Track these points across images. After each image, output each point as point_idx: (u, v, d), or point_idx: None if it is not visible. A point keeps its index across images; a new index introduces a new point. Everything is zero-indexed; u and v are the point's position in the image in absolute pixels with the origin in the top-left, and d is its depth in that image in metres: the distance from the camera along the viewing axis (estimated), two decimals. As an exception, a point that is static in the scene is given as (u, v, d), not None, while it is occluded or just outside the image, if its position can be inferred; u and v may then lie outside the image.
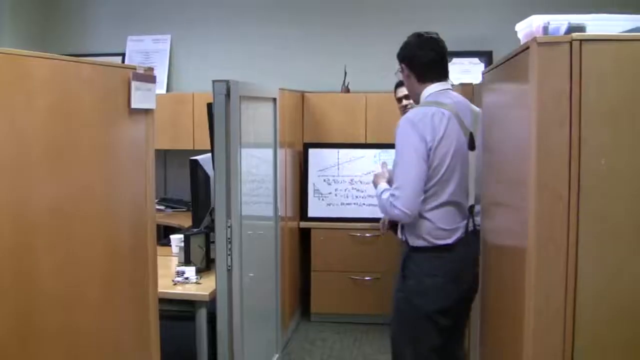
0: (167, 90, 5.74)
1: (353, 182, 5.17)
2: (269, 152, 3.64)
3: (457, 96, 2.86)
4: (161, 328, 2.40)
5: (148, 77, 2.22)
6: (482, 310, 2.47)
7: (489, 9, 5.32)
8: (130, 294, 2.19)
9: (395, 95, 4.38)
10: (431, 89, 2.81)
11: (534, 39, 1.52)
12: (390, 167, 2.89)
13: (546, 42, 1.51)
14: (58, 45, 5.70)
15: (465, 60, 5.33)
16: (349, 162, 5.18)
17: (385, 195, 2.73)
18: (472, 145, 2.73)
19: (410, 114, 2.75)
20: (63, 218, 1.81)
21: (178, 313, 3.06)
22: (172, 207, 5.41)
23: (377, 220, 4.82)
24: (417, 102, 2.89)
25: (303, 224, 5.13)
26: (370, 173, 5.10)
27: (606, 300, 1.51)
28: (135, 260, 2.23)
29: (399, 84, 4.36)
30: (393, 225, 2.91)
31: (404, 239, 2.80)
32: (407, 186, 2.63)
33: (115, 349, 2.09)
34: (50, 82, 1.75)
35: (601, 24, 1.67)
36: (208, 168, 3.51)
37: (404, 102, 4.29)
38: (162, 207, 5.32)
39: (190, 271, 3.19)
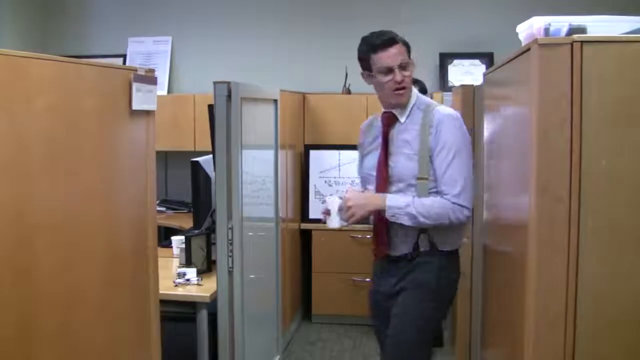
0: (168, 92, 5.74)
1: (354, 183, 5.15)
2: (269, 154, 3.64)
3: None
4: (162, 329, 2.40)
5: (149, 78, 2.22)
6: (484, 312, 2.47)
7: (490, 10, 5.31)
8: (131, 295, 2.19)
9: None
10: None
11: (535, 41, 1.52)
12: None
13: (547, 44, 1.51)
14: (58, 46, 5.70)
15: (466, 62, 5.33)
16: (350, 163, 5.17)
17: (440, 203, 2.41)
18: None
19: (451, 110, 2.58)
20: (63, 219, 1.81)
21: (179, 314, 3.05)
22: (173, 209, 5.41)
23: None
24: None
25: (304, 226, 5.13)
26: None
27: (607, 302, 1.51)
28: (136, 262, 2.23)
29: None
30: (377, 235, 2.60)
31: (425, 248, 2.50)
32: (469, 185, 2.44)
33: (116, 350, 2.09)
34: (50, 84, 1.75)
35: (602, 26, 1.67)
36: (209, 169, 3.51)
37: None
38: (163, 209, 5.31)
39: (191, 272, 3.18)
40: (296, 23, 5.61)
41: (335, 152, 5.19)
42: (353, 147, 5.17)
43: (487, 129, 2.37)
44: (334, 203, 2.54)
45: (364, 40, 2.52)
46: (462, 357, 3.48)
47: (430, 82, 4.98)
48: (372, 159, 2.60)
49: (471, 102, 3.14)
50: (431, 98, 4.78)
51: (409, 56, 2.51)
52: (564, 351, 1.52)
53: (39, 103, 1.70)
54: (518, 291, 1.65)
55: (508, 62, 1.89)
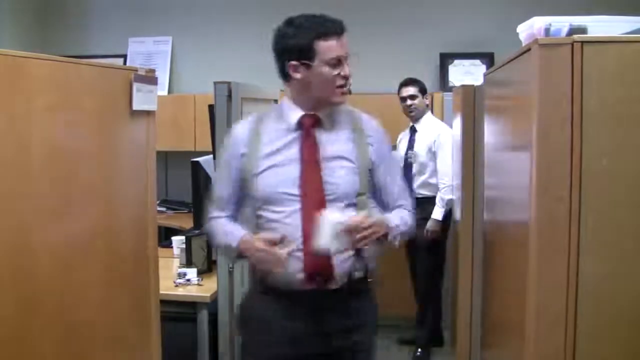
0: (169, 92, 5.74)
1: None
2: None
3: None
4: (162, 329, 2.40)
5: (149, 78, 2.22)
6: (484, 312, 2.47)
7: (491, 10, 5.31)
8: (132, 295, 2.19)
9: (399, 94, 4.37)
10: None
11: (536, 41, 1.52)
12: None
13: (548, 44, 1.51)
14: (59, 46, 5.70)
15: (467, 62, 5.33)
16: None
17: (406, 214, 2.14)
18: None
19: None
20: (63, 219, 1.81)
21: (179, 314, 3.05)
22: (173, 209, 5.41)
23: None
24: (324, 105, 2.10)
25: (304, 226, 5.12)
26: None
27: (607, 302, 1.51)
28: (137, 262, 2.23)
29: (404, 83, 4.35)
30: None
31: (360, 275, 2.12)
32: None
33: (116, 350, 2.09)
34: (50, 84, 1.75)
35: (603, 26, 1.67)
36: (209, 169, 3.51)
37: (409, 102, 4.29)
38: (163, 209, 5.31)
39: (191, 272, 3.18)
40: (296, 23, 5.61)
41: (335, 152, 5.18)
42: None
43: (488, 129, 2.37)
44: (333, 221, 1.91)
45: (306, 24, 2.06)
46: (462, 357, 3.48)
47: (430, 82, 4.97)
48: (282, 174, 2.02)
49: (472, 103, 3.13)
50: (431, 98, 4.84)
51: None
52: (565, 351, 1.52)
53: (39, 103, 1.70)
54: (518, 291, 1.65)
55: (508, 62, 1.89)
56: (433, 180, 4.24)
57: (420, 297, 4.43)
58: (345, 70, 2.02)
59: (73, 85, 1.85)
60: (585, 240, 1.49)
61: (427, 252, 4.24)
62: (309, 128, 2.06)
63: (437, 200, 4.16)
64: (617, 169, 1.48)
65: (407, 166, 4.34)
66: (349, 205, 2.03)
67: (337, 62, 2.01)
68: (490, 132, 2.31)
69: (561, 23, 1.68)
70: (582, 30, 1.64)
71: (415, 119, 4.36)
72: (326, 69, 2.00)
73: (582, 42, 1.48)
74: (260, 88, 3.44)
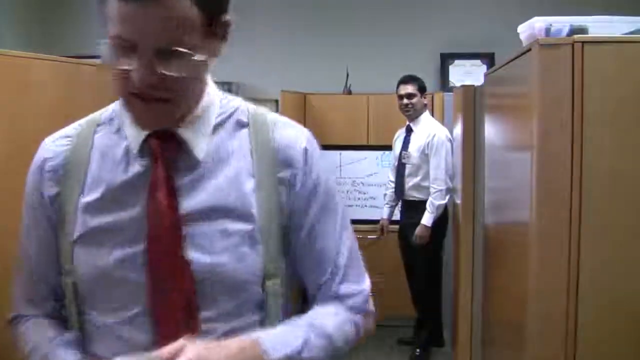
0: (169, 92, 5.74)
1: (355, 184, 5.17)
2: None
3: None
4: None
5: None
6: (485, 312, 2.47)
7: (491, 10, 5.32)
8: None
9: (396, 92, 4.29)
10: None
11: (536, 41, 1.52)
12: None
13: (548, 44, 1.51)
14: (59, 46, 5.70)
15: (467, 62, 5.33)
16: (351, 164, 5.18)
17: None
18: None
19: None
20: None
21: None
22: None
23: (378, 222, 4.82)
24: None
25: (305, 226, 5.12)
26: (372, 175, 5.11)
27: (607, 302, 1.51)
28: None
29: (403, 81, 4.28)
30: None
31: None
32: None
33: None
34: (51, 83, 1.75)
35: (603, 26, 1.67)
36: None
37: (406, 100, 4.23)
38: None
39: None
40: (297, 23, 5.61)
41: (336, 153, 5.19)
42: (354, 147, 5.21)
43: (488, 129, 2.37)
44: None
45: None
46: (463, 358, 3.48)
47: (430, 83, 4.97)
48: (117, 243, 1.06)
49: (472, 103, 3.13)
50: (431, 99, 4.82)
51: (201, 25, 1.08)
52: (565, 351, 1.52)
53: (40, 103, 1.70)
54: (519, 291, 1.65)
55: (509, 62, 1.89)
56: (425, 184, 4.16)
57: (419, 299, 4.42)
58: (136, 74, 0.97)
59: (73, 85, 1.85)
60: (586, 241, 1.49)
61: (424, 253, 4.20)
62: (160, 158, 1.06)
63: (428, 205, 4.07)
64: (617, 169, 1.48)
65: (401, 167, 4.31)
66: (243, 305, 1.10)
67: (129, 49, 0.97)
68: (491, 133, 2.31)
69: (561, 23, 1.68)
70: (583, 30, 1.64)
71: (412, 118, 4.29)
72: (108, 51, 1.00)
73: (583, 42, 1.48)
74: (261, 88, 3.44)
